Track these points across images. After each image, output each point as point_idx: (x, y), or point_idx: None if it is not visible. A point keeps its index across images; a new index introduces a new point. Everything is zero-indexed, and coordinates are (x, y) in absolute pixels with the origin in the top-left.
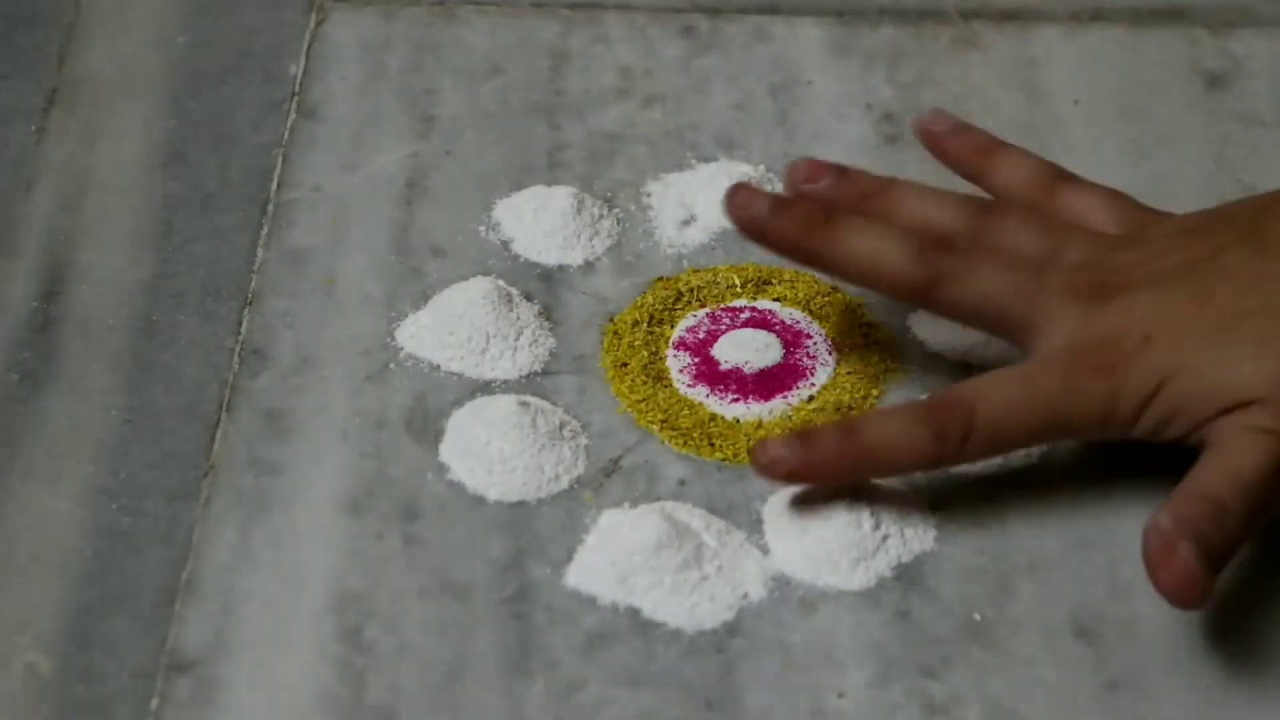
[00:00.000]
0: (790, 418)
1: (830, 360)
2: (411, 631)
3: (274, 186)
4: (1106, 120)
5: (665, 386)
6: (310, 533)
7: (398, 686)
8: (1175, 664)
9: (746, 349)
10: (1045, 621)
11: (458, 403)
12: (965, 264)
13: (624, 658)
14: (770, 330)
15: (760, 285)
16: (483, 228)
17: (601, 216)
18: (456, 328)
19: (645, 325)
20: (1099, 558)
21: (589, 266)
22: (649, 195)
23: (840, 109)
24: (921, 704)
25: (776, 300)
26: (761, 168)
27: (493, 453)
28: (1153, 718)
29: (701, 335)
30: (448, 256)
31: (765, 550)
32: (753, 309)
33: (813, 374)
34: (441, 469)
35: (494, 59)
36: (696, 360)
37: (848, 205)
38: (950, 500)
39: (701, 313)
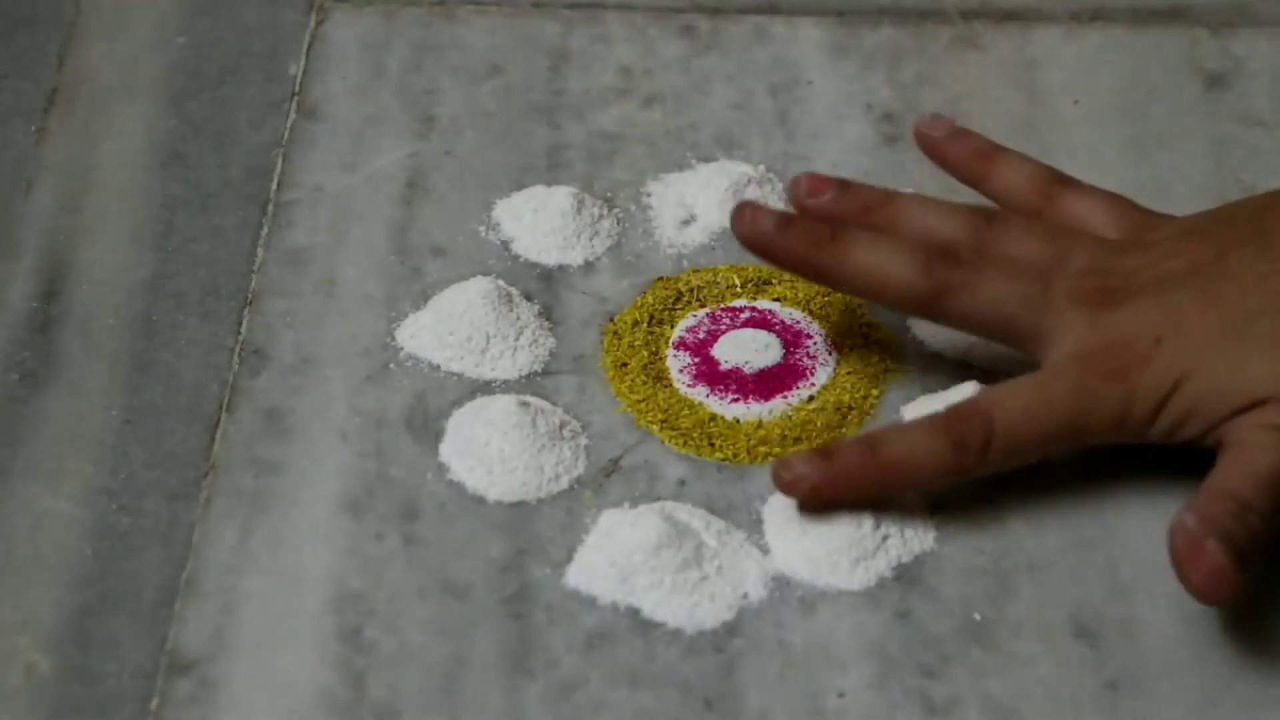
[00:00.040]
0: (790, 418)
1: (830, 360)
2: (411, 631)
3: (274, 186)
4: (1106, 120)
5: (665, 386)
6: (310, 533)
7: (398, 686)
8: (1175, 664)
9: (746, 349)
10: (1045, 621)
11: (458, 403)
12: (971, 275)
13: (624, 658)
14: (770, 330)
15: (760, 285)
16: (483, 228)
17: (601, 216)
18: (456, 328)
19: (645, 325)
20: (1099, 558)
21: (589, 266)
22: (649, 195)
23: (840, 109)
24: (921, 704)
25: (776, 300)
26: (761, 168)
27: (493, 453)
28: (1153, 718)
29: (701, 335)
30: (448, 256)
31: (765, 550)
32: (753, 309)
33: (813, 374)
34: (441, 469)
35: (494, 59)
36: (696, 360)
37: (851, 219)
38: (950, 500)
39: (701, 313)
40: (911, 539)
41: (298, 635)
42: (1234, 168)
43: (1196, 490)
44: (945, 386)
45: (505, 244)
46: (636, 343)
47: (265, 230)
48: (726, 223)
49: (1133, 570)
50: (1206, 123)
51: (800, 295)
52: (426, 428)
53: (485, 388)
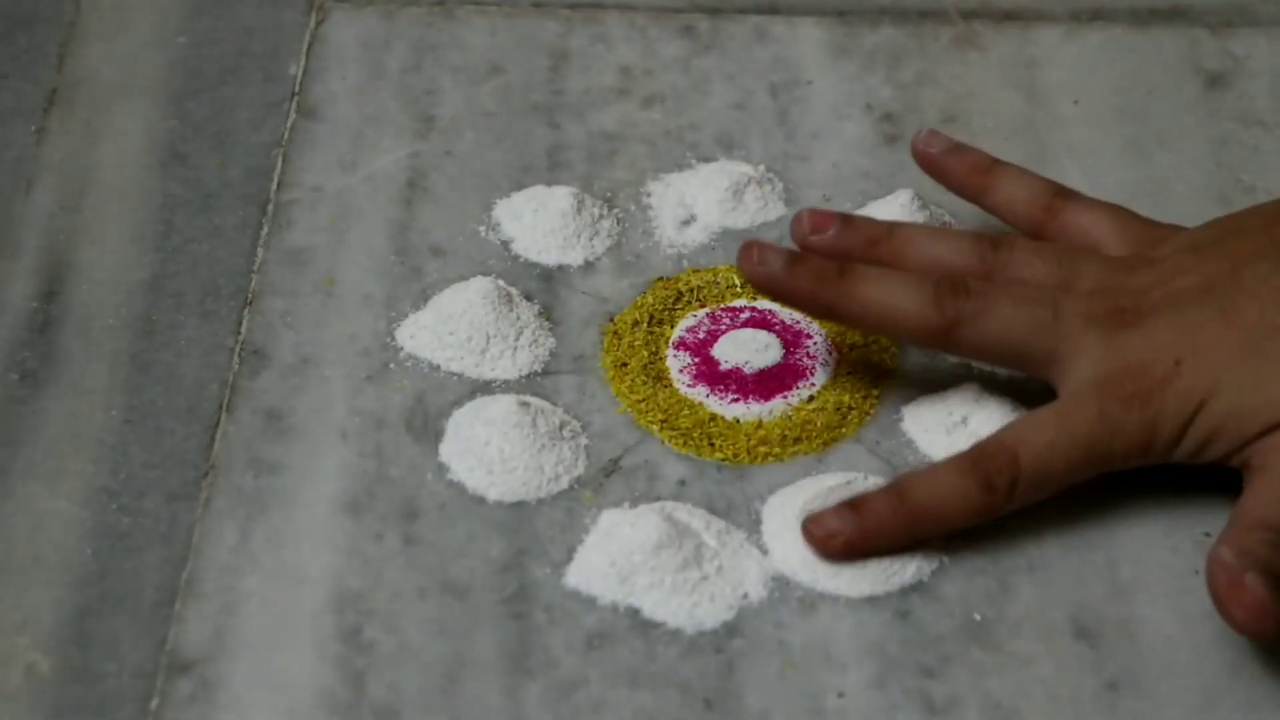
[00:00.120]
0: (790, 418)
1: (830, 360)
2: (411, 631)
3: (274, 186)
4: (1106, 120)
5: (665, 386)
6: (310, 533)
7: (398, 686)
8: (1175, 664)
9: (746, 349)
10: (1045, 621)
11: (458, 403)
12: (981, 304)
13: (624, 658)
14: (770, 330)
15: None
16: (483, 228)
17: (601, 216)
18: (456, 328)
19: (645, 325)
20: (1099, 558)
21: (589, 266)
22: (649, 195)
23: (840, 109)
24: (921, 704)
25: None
26: (761, 168)
27: (493, 453)
28: (1152, 718)
29: (701, 335)
30: (448, 256)
31: (765, 550)
32: (753, 309)
33: (813, 374)
34: (441, 469)
35: (494, 59)
36: (696, 360)
37: (857, 253)
38: None
39: (701, 313)
40: (923, 564)
41: (298, 635)
42: (1234, 168)
43: (1229, 518)
44: (945, 387)
45: (505, 244)
46: (636, 343)
47: (265, 230)
48: (726, 223)
49: (1133, 570)
50: (1206, 123)
51: None
52: (426, 428)
53: (485, 388)
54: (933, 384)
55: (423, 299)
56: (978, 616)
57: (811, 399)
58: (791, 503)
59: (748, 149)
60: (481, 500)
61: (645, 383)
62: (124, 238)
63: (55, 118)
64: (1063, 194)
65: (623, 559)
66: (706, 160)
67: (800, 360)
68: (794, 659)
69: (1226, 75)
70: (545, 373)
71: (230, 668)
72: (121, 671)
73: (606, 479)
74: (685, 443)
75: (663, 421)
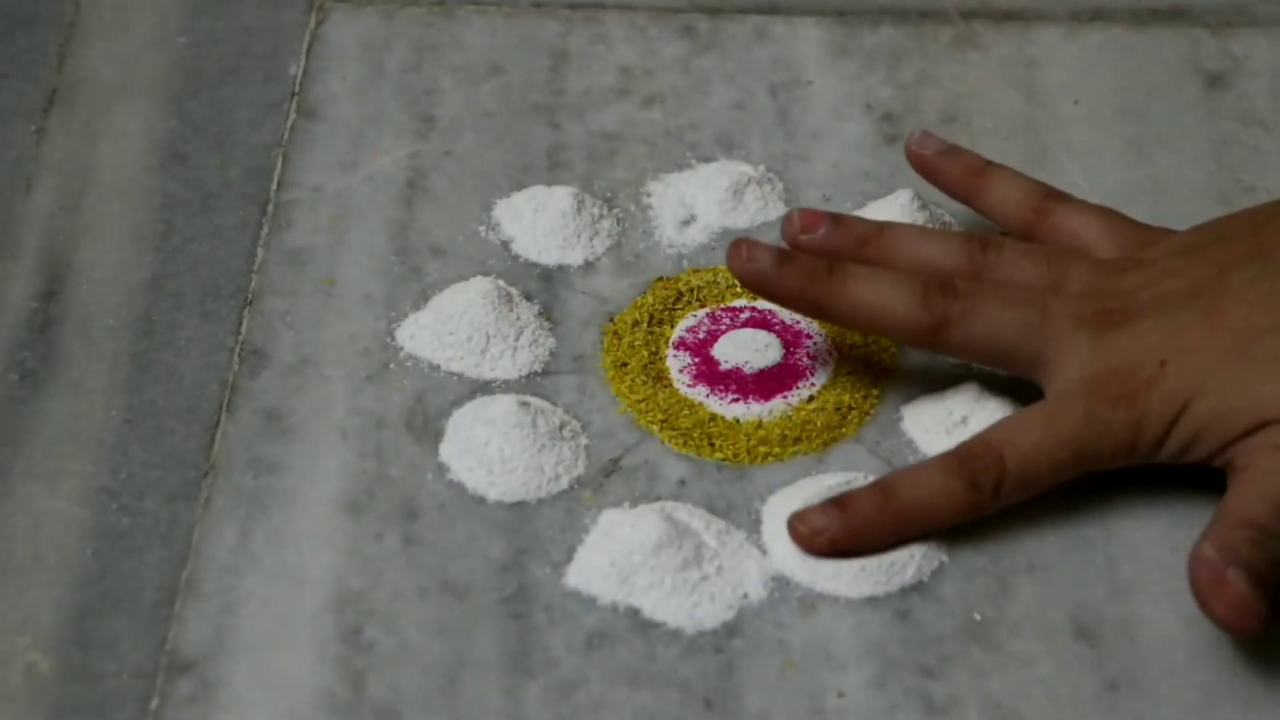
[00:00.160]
0: (790, 418)
1: (830, 360)
2: (411, 631)
3: (274, 186)
4: (1106, 120)
5: (665, 386)
6: (310, 533)
7: (398, 686)
8: (1175, 664)
9: (746, 349)
10: (1045, 621)
11: (458, 403)
12: (969, 304)
13: (624, 658)
14: (770, 330)
15: None
16: (483, 228)
17: (601, 216)
18: (456, 328)
19: (645, 325)
20: (1099, 558)
21: (589, 266)
22: (649, 195)
23: (840, 109)
24: (921, 704)
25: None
26: (761, 168)
27: (493, 453)
28: (1152, 718)
29: (701, 335)
30: (448, 256)
31: (765, 550)
32: (753, 309)
33: (813, 374)
34: (441, 469)
35: (494, 59)
36: (696, 360)
37: (847, 253)
38: None
39: (701, 313)
40: (923, 564)
41: (298, 635)
42: (1234, 168)
43: (1212, 516)
44: (945, 387)
45: (505, 244)
46: (636, 343)
47: (265, 230)
48: (726, 223)
49: (1133, 570)
50: (1206, 123)
51: None
52: (426, 428)
53: (485, 388)
54: (933, 384)
55: (423, 299)
56: (978, 616)
57: (811, 399)
58: (791, 503)
59: (748, 149)
60: (481, 500)
61: (645, 383)
62: (124, 238)
63: (55, 118)
64: (1053, 196)
65: (623, 559)
66: (706, 160)
67: (800, 360)
68: (794, 659)
69: (1226, 75)
70: (545, 373)
71: (230, 668)
72: (121, 671)
73: (606, 479)
74: (685, 443)
75: (663, 421)
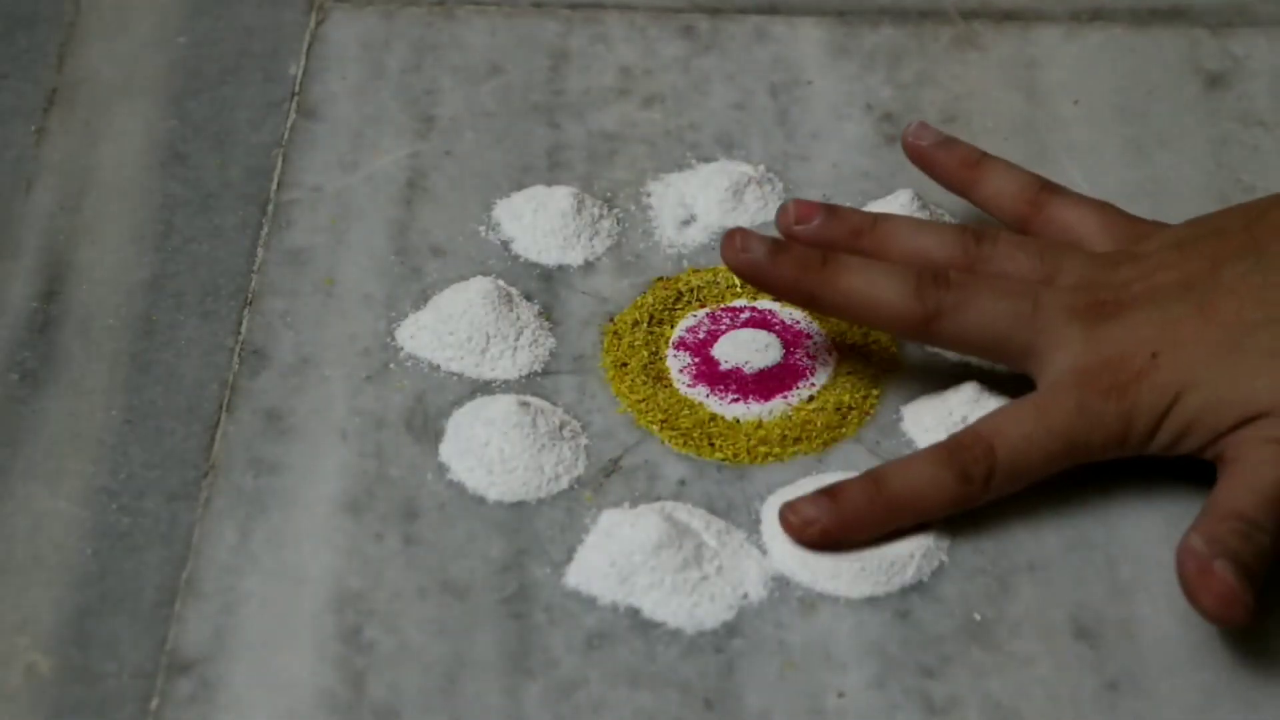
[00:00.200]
0: (790, 418)
1: (830, 360)
2: (411, 631)
3: (274, 186)
4: (1106, 120)
5: (665, 386)
6: (310, 533)
7: (398, 686)
8: (1175, 664)
9: (746, 349)
10: (1045, 621)
11: (458, 403)
12: (962, 295)
13: (624, 658)
14: (770, 330)
15: None
16: (483, 228)
17: (601, 216)
18: (456, 328)
19: (645, 325)
20: (1099, 558)
21: (589, 266)
22: (649, 195)
23: (840, 109)
24: (921, 704)
25: (776, 300)
26: (761, 168)
27: (493, 453)
28: (1152, 718)
29: (701, 335)
30: (448, 256)
31: (765, 550)
32: (753, 309)
33: (813, 374)
34: (441, 469)
35: (494, 59)
36: (696, 360)
37: (841, 244)
38: None
39: (701, 313)
40: (923, 564)
41: (298, 635)
42: (1234, 168)
43: (1201, 508)
44: (945, 387)
45: (505, 244)
46: (636, 343)
47: (265, 230)
48: (726, 223)
49: (1133, 570)
50: (1206, 123)
51: None
52: (426, 428)
53: (485, 388)
54: (933, 384)
55: (423, 299)
56: (978, 616)
57: (811, 399)
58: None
59: (748, 149)
60: (481, 500)
61: (645, 383)
62: (124, 238)
63: (55, 118)
64: (1049, 189)
65: (623, 559)
66: (706, 160)
67: (800, 360)
68: (794, 659)
69: (1226, 75)
70: (545, 373)
71: (230, 668)
72: (121, 671)
73: (606, 479)
74: (685, 443)
75: (663, 421)
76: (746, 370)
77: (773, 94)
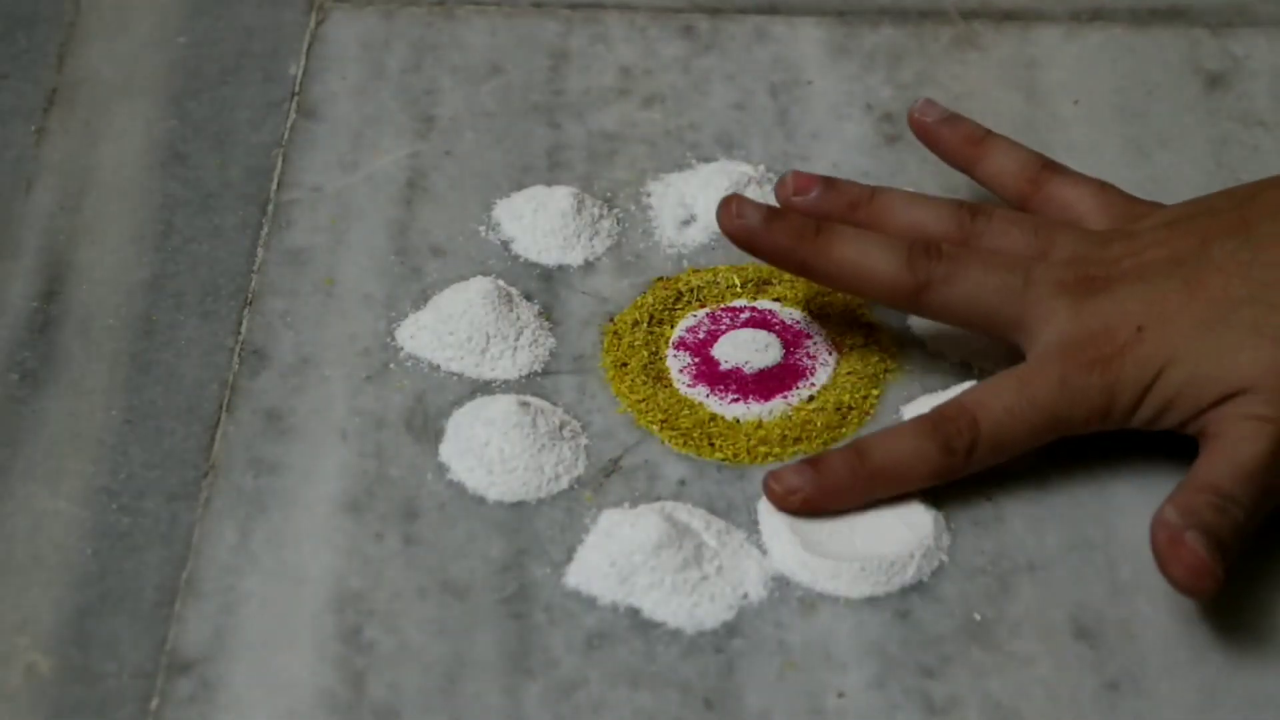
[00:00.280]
0: (790, 418)
1: (830, 360)
2: (411, 631)
3: (274, 186)
4: (1106, 120)
5: (665, 386)
6: (310, 533)
7: (398, 686)
8: (1175, 664)
9: (746, 349)
10: (1045, 621)
11: (458, 403)
12: (953, 268)
13: (624, 658)
14: (770, 330)
15: (760, 285)
16: (483, 228)
17: (601, 216)
18: (456, 328)
19: (645, 325)
20: (1099, 558)
21: (589, 266)
22: (649, 195)
23: (840, 109)
24: (921, 704)
25: (776, 300)
26: (761, 168)
27: (493, 453)
28: (1152, 718)
29: (701, 335)
30: (448, 256)
31: (765, 550)
32: (753, 309)
33: (813, 374)
34: (441, 469)
35: (494, 59)
36: (696, 360)
37: (837, 215)
38: (950, 500)
39: (701, 313)
40: (923, 564)
41: (298, 635)
42: (1234, 168)
43: (1179, 483)
44: (945, 386)
45: (505, 244)
46: (636, 343)
47: (265, 230)
48: None
49: (1133, 570)
50: (1206, 123)
51: (800, 295)
52: (426, 428)
53: (485, 388)
54: (932, 384)
55: (423, 299)
56: (978, 616)
57: (811, 399)
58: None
59: (748, 149)
60: (481, 500)
61: (645, 383)
62: (124, 238)
63: (55, 118)
64: (1050, 167)
65: (623, 559)
66: (706, 160)
67: (800, 360)
68: (794, 659)
69: (1226, 75)
70: (545, 373)
71: (230, 668)
72: (121, 671)
73: (606, 479)
74: (685, 443)
75: (663, 421)
76: (746, 370)
77: (773, 94)
